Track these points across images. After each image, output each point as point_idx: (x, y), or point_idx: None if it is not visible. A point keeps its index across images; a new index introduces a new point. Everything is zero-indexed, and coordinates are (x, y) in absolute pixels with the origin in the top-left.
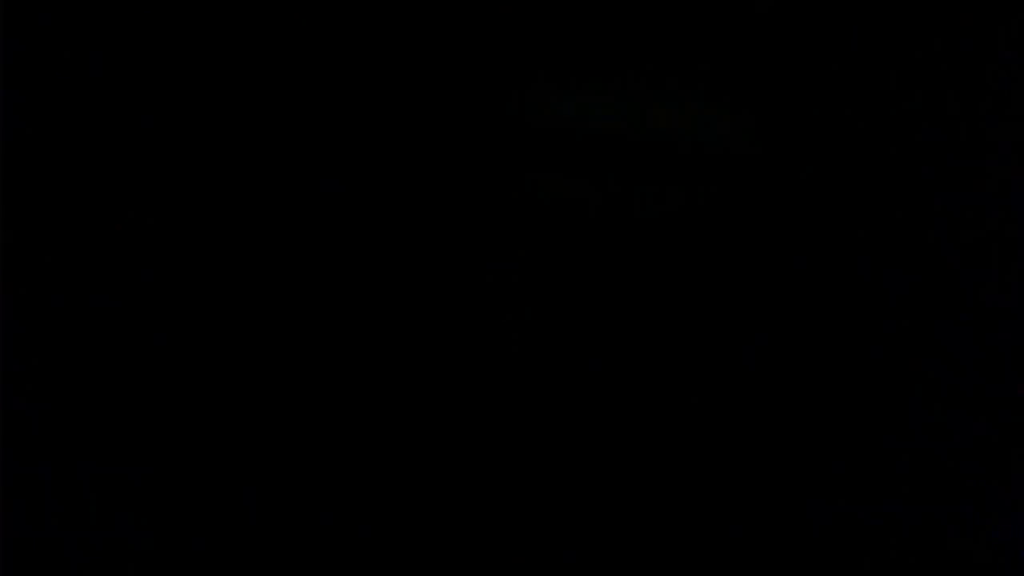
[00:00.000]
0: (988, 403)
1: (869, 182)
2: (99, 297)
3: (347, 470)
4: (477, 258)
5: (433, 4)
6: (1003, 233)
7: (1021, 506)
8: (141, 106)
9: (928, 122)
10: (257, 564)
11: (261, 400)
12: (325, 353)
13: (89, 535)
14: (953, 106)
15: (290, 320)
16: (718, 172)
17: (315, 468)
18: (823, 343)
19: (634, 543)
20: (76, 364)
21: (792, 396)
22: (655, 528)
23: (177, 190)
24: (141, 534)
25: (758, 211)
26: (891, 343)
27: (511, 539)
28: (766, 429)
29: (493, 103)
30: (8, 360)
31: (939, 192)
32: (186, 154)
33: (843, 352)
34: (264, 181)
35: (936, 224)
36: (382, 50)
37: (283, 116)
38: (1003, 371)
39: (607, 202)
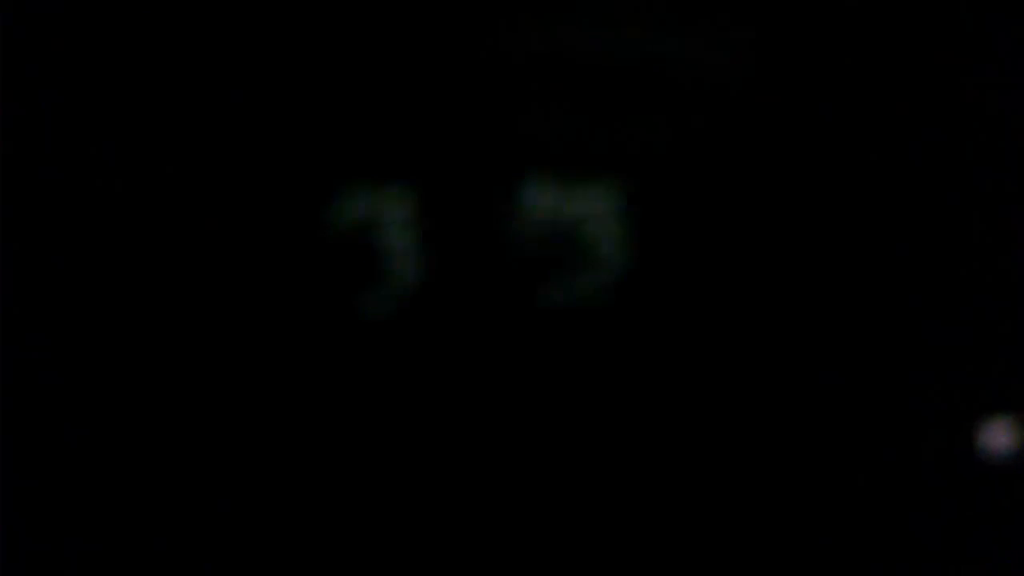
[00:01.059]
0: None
1: (870, 113)
2: (98, 297)
3: (346, 469)
4: (466, 192)
5: None
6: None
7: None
8: (140, 106)
9: (934, 48)
10: (257, 564)
11: (265, 399)
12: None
13: (89, 535)
14: (958, 32)
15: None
16: (712, 100)
17: (316, 468)
18: (821, 281)
19: (632, 542)
20: (75, 364)
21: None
22: (653, 527)
23: (177, 190)
24: (141, 534)
25: (753, 141)
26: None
27: (510, 538)
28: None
29: (476, 33)
30: (8, 360)
31: (944, 125)
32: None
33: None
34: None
35: (937, 158)
36: None
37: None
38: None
39: (597, 132)
